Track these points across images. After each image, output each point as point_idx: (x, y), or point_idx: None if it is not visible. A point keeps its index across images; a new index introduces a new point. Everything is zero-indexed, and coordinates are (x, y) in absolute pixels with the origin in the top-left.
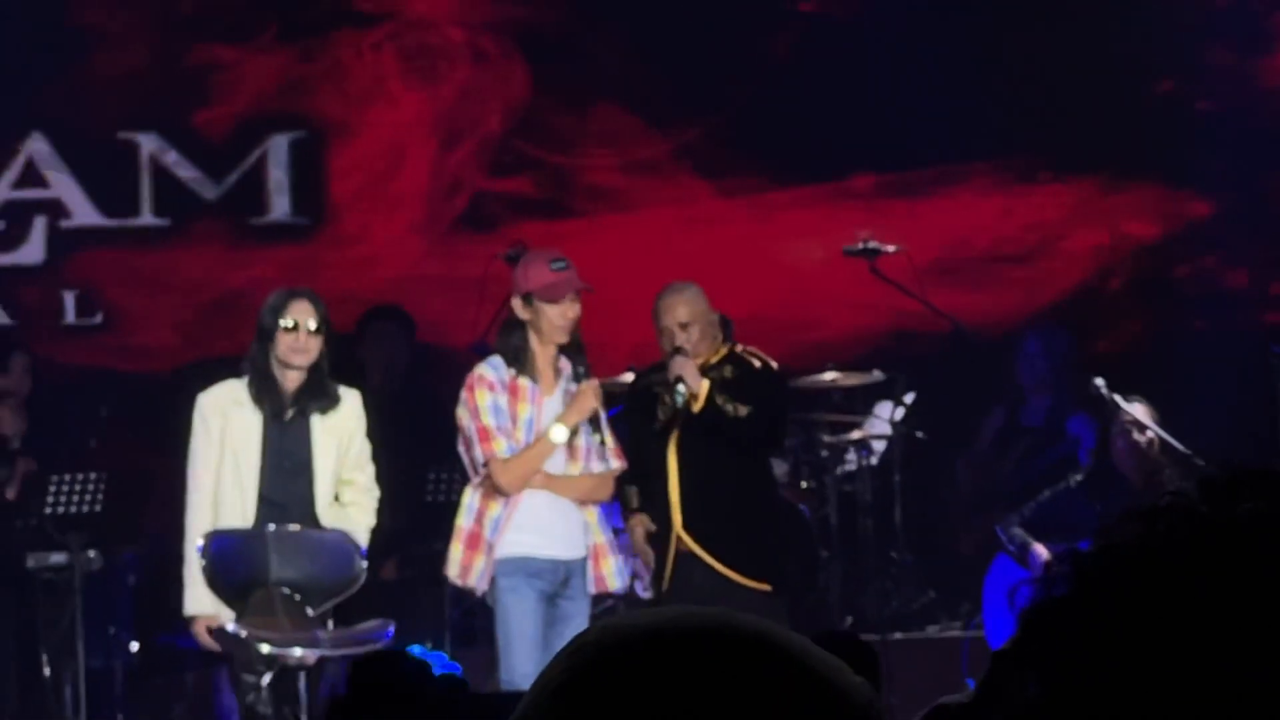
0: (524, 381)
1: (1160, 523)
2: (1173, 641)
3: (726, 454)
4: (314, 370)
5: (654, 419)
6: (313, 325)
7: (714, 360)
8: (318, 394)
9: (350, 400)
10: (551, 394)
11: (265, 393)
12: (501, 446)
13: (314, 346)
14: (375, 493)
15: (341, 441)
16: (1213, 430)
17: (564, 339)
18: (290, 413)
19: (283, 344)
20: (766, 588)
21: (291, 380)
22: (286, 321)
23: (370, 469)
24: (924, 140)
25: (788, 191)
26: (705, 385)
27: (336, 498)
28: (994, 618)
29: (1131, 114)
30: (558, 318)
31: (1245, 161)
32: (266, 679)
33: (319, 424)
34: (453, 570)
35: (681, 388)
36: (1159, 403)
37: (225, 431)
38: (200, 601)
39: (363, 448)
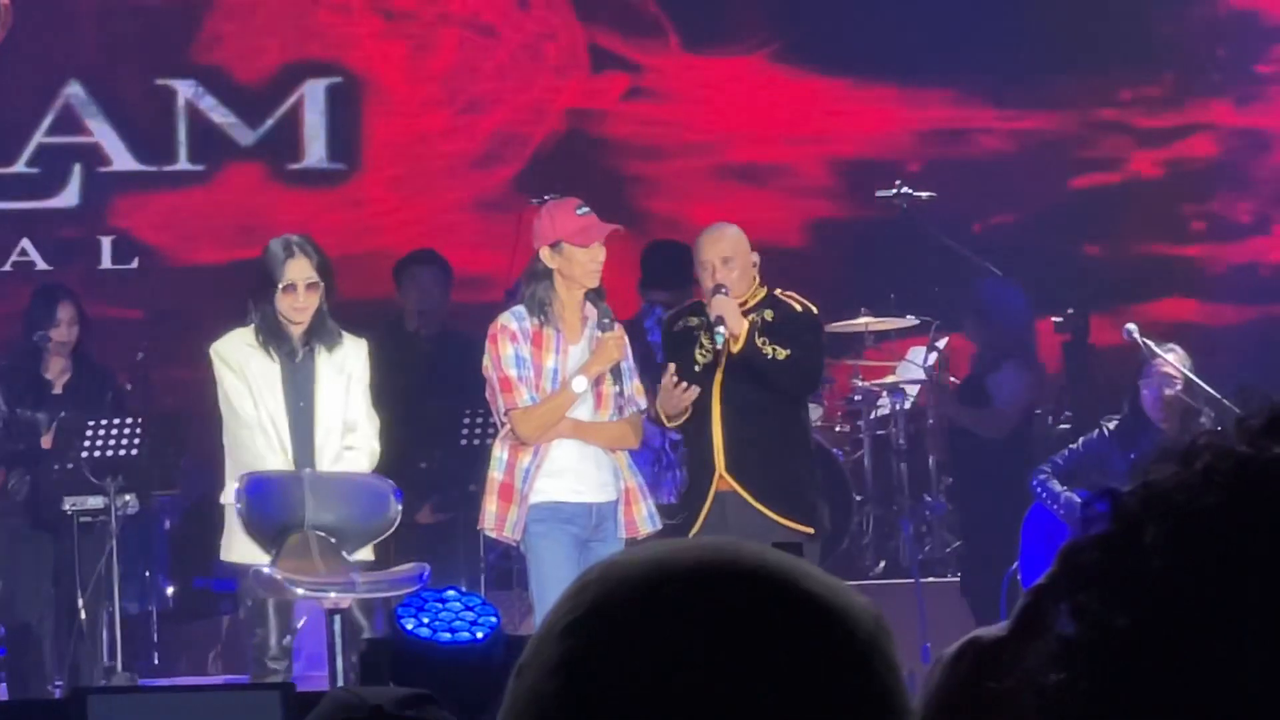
0: (548, 331)
1: (1198, 462)
2: (1210, 579)
3: (768, 397)
4: (317, 313)
5: (691, 360)
6: (310, 281)
7: (753, 302)
8: (321, 332)
9: (355, 345)
10: (577, 342)
11: (273, 338)
12: (523, 397)
13: (313, 300)
14: (374, 443)
15: (344, 380)
16: None
17: (594, 283)
18: (300, 354)
19: (283, 303)
20: (808, 530)
21: (295, 328)
22: (285, 282)
23: (372, 420)
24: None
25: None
26: (745, 326)
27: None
28: (1031, 564)
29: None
30: (589, 261)
31: None
32: (271, 626)
33: (324, 361)
34: (488, 523)
35: (721, 328)
36: None
37: (248, 374)
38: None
39: (363, 393)
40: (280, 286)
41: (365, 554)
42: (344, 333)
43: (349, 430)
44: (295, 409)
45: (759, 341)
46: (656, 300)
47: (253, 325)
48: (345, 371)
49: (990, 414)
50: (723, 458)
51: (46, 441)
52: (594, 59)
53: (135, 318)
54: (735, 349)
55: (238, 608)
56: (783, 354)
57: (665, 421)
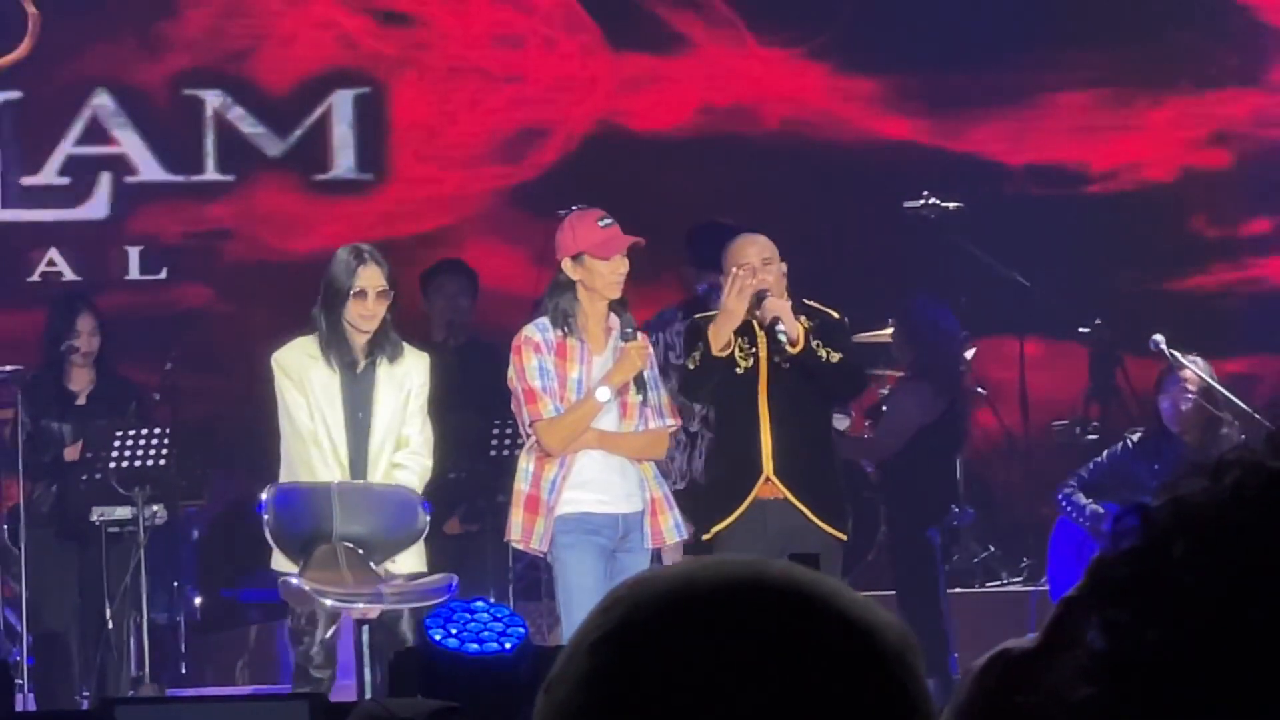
0: (572, 342)
1: (1227, 477)
2: (1241, 594)
3: (812, 401)
4: (381, 323)
5: (732, 363)
6: (380, 289)
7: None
8: (384, 344)
9: (416, 358)
10: (601, 353)
11: (335, 348)
12: (548, 408)
13: (382, 308)
14: (425, 459)
15: (403, 394)
16: None
17: (617, 294)
18: (362, 365)
19: (352, 310)
20: (842, 536)
21: (360, 336)
22: (355, 289)
23: (426, 433)
24: None
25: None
26: (801, 329)
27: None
28: (1060, 576)
29: None
30: (610, 274)
31: None
32: (318, 635)
33: (384, 374)
34: (514, 534)
35: (781, 327)
36: None
37: (307, 384)
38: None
39: (420, 409)
40: (351, 293)
41: (412, 564)
42: (406, 345)
43: (401, 446)
44: (354, 421)
45: (814, 344)
46: (714, 283)
47: (315, 334)
48: (405, 386)
49: (869, 442)
50: (771, 462)
51: (72, 453)
52: (620, 66)
53: (163, 328)
54: (794, 351)
55: (289, 617)
56: (835, 357)
57: (718, 355)
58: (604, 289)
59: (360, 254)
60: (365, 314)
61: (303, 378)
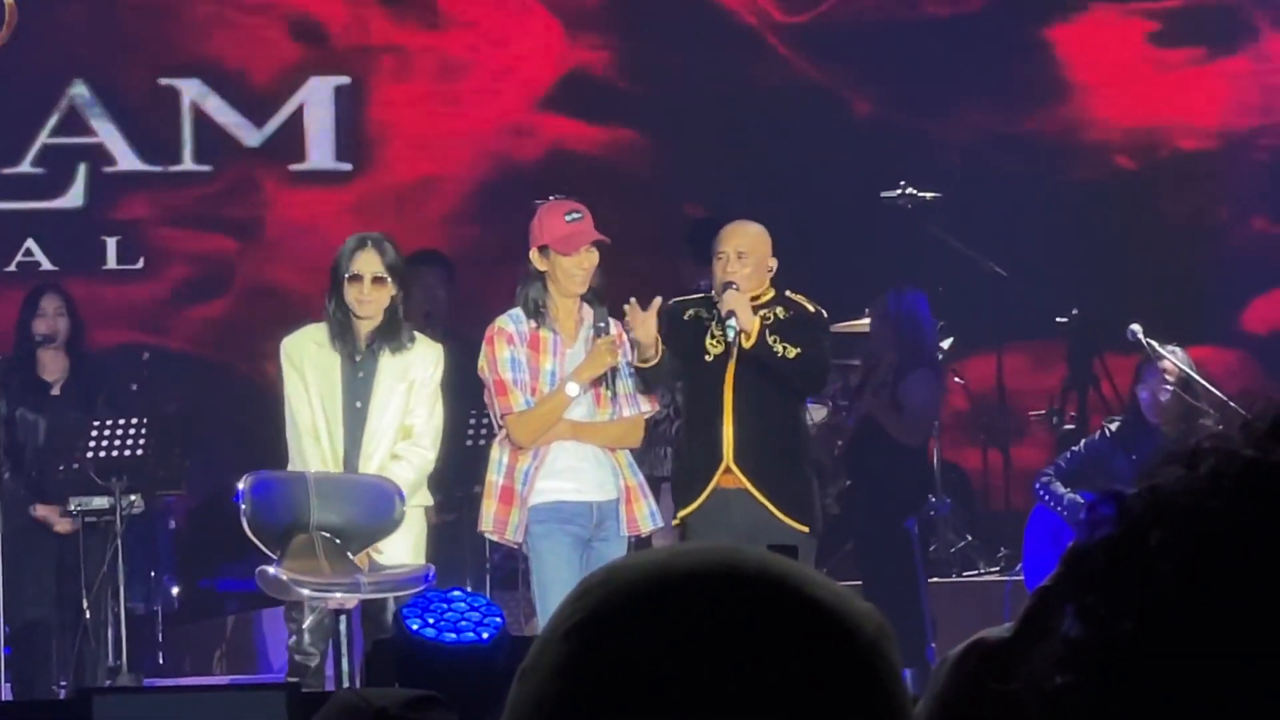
0: (545, 333)
1: (1203, 465)
2: (1216, 582)
3: (778, 394)
4: (388, 313)
5: (702, 349)
6: (377, 275)
7: (763, 300)
8: (388, 335)
9: (427, 348)
10: (574, 344)
11: (340, 335)
12: (517, 401)
13: (379, 296)
14: (427, 451)
15: (405, 384)
16: None
17: (581, 289)
18: (363, 354)
19: (349, 294)
20: (804, 528)
21: (365, 324)
22: (351, 273)
23: (433, 424)
24: None
25: None
26: (756, 323)
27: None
28: (1035, 565)
29: None
30: (574, 269)
31: None
32: (308, 621)
33: (386, 365)
34: (488, 526)
35: (733, 322)
36: None
37: (308, 373)
38: None
39: (424, 400)
40: (346, 277)
41: (406, 554)
42: (419, 336)
43: (404, 436)
44: (351, 410)
45: (770, 339)
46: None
47: (325, 322)
48: (408, 377)
49: (906, 420)
50: (731, 449)
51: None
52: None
53: (140, 318)
54: (747, 345)
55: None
56: (793, 352)
57: (637, 361)
58: (565, 283)
59: (362, 240)
60: (361, 299)
61: (303, 365)
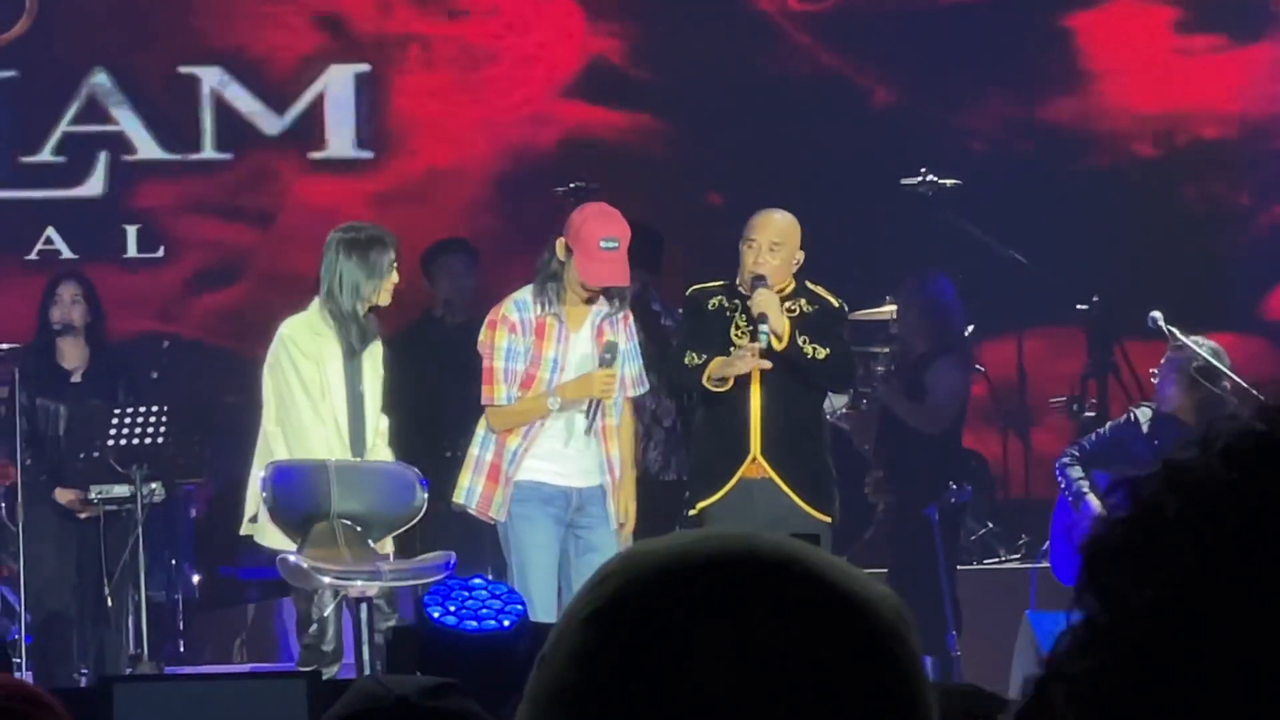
0: (551, 320)
1: (1218, 443)
2: (1232, 552)
3: (804, 386)
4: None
5: (727, 341)
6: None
7: (786, 290)
8: (369, 327)
9: (378, 343)
10: (579, 330)
11: (344, 326)
12: (500, 394)
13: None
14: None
15: (377, 376)
16: None
17: (589, 296)
18: (356, 345)
19: (385, 291)
20: (826, 519)
21: (362, 315)
22: (388, 274)
23: (385, 419)
24: None
25: None
26: (787, 325)
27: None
28: (1061, 552)
29: None
30: (589, 288)
31: None
32: (327, 612)
33: (367, 355)
34: (469, 500)
35: (765, 327)
36: None
37: (316, 361)
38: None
39: (380, 386)
40: (390, 274)
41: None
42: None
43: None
44: (354, 398)
45: (800, 340)
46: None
47: (318, 311)
48: (377, 369)
49: (927, 409)
50: (758, 442)
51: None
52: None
53: (160, 306)
54: (779, 348)
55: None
56: (823, 353)
57: (708, 384)
58: (579, 290)
59: (389, 236)
60: (391, 293)
61: (310, 352)
